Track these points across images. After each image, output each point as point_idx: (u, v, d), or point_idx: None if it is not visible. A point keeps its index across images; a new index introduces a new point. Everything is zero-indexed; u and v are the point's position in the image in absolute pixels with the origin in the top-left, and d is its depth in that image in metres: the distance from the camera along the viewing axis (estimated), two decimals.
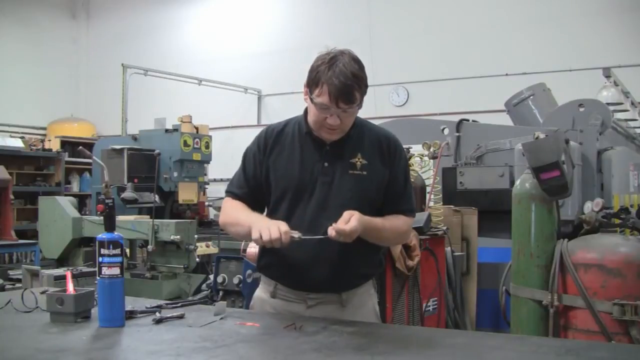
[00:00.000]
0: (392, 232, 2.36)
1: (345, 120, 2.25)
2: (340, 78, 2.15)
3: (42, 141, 11.39)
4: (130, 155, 7.22)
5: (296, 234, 2.15)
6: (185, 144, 7.70)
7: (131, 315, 2.20)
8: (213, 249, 5.72)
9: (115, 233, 2.13)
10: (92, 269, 3.50)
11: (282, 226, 2.13)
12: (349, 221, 2.12)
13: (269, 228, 2.12)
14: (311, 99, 2.23)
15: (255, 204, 2.41)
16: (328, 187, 2.30)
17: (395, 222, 2.36)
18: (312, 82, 2.21)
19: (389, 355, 1.80)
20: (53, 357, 1.77)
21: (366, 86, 2.25)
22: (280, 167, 2.35)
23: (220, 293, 3.71)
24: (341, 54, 2.22)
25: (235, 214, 2.38)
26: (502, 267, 3.83)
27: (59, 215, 5.56)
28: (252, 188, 2.40)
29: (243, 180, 2.42)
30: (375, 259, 2.46)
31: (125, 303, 2.17)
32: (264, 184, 2.38)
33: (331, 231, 2.12)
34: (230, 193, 2.45)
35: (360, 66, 2.23)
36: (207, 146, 8.01)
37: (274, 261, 2.41)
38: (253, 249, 3.49)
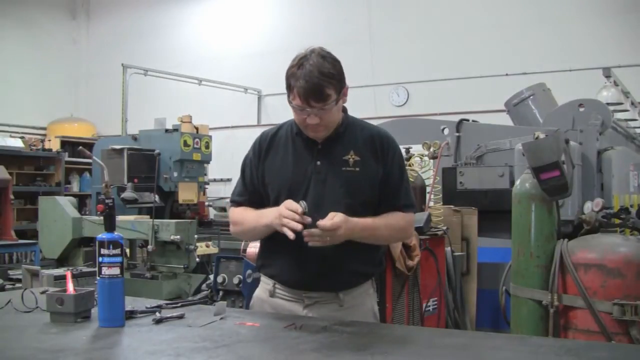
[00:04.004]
0: (387, 230, 2.37)
1: (325, 118, 2.26)
2: (306, 78, 2.19)
3: (42, 141, 11.38)
4: (130, 155, 7.21)
5: (302, 206, 2.18)
6: (185, 144, 7.70)
7: (131, 315, 2.20)
8: (213, 249, 5.72)
9: (115, 233, 2.13)
10: (92, 269, 3.50)
11: (286, 211, 2.17)
12: (332, 218, 2.16)
13: (281, 222, 2.17)
14: (289, 103, 2.28)
15: (259, 207, 2.44)
16: (322, 185, 2.33)
17: (389, 220, 2.37)
18: (287, 87, 2.27)
19: (389, 355, 1.80)
20: (53, 357, 1.77)
21: (340, 81, 2.26)
22: (275, 169, 2.40)
23: (220, 293, 3.71)
24: (311, 52, 2.25)
25: (245, 220, 2.44)
26: (502, 267, 3.83)
27: (59, 215, 5.56)
28: (252, 194, 2.46)
29: (243, 187, 2.50)
30: (373, 258, 2.46)
31: (125, 303, 2.17)
32: (261, 188, 2.43)
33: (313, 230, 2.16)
34: (233, 202, 2.53)
35: (331, 62, 2.24)
36: (207, 146, 8.01)
37: (272, 260, 2.44)
38: (253, 248, 3.49)
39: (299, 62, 2.22)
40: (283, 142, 2.42)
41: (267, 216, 2.28)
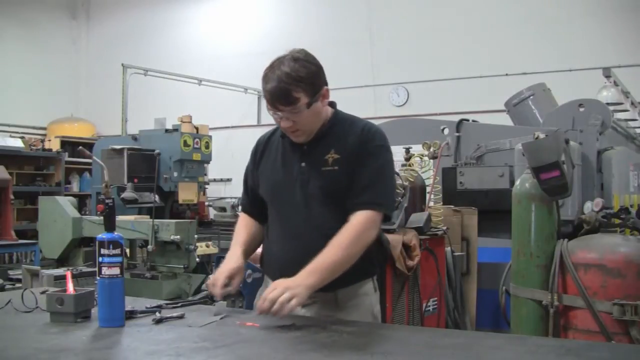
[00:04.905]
0: (342, 252, 2.20)
1: (299, 121, 2.23)
2: (271, 83, 2.18)
3: (42, 141, 11.38)
4: (130, 155, 7.22)
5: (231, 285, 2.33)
6: (185, 144, 7.71)
7: (131, 315, 2.20)
8: (213, 249, 5.72)
9: (115, 233, 2.12)
10: (92, 269, 3.50)
11: (215, 288, 2.33)
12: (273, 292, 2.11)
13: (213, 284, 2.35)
14: (266, 106, 2.29)
15: (259, 212, 2.50)
16: (305, 186, 2.32)
17: (340, 239, 2.19)
18: (263, 90, 2.27)
19: (389, 355, 1.79)
20: (53, 357, 1.76)
21: (312, 84, 2.21)
22: (267, 172, 2.44)
23: None
24: (285, 56, 2.23)
25: (235, 238, 2.51)
26: (502, 267, 3.83)
27: (59, 215, 5.57)
28: (251, 198, 2.53)
29: (245, 193, 2.58)
30: (371, 256, 2.41)
31: (125, 303, 2.17)
32: (259, 192, 2.48)
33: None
34: (241, 206, 2.65)
35: (303, 65, 2.19)
36: (207, 146, 8.02)
37: (271, 259, 2.47)
38: None
39: (272, 65, 2.22)
40: (275, 145, 2.44)
41: (230, 254, 2.43)
